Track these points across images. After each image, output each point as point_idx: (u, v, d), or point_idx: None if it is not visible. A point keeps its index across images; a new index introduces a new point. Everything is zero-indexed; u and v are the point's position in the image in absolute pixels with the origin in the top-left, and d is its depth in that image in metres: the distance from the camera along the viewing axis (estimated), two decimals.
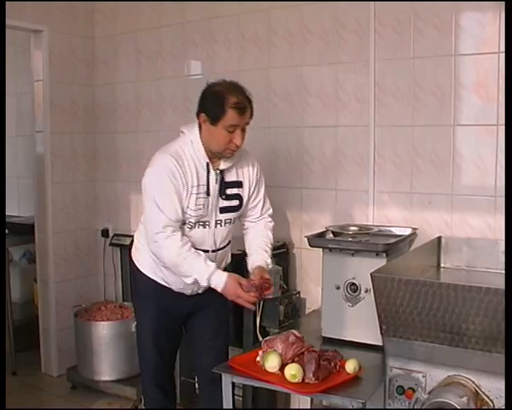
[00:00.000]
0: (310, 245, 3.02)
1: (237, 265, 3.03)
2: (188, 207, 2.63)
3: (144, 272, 2.83)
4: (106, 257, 4.62)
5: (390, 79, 3.27)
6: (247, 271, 2.80)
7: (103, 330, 4.09)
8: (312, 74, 3.54)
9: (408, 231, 3.11)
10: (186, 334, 2.99)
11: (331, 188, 3.51)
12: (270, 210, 2.95)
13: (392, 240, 2.88)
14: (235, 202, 2.77)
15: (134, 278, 2.95)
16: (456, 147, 3.11)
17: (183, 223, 2.66)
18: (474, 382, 2.21)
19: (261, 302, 3.26)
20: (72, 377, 4.31)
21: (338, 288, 2.86)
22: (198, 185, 2.64)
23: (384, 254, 2.75)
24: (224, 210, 2.74)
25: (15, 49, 4.95)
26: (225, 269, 2.87)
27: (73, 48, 4.46)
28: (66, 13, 4.38)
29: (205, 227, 2.71)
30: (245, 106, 2.60)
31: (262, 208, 2.90)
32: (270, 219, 2.94)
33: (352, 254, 2.83)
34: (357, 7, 3.34)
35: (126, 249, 4.33)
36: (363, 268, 2.69)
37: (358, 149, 3.40)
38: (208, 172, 2.67)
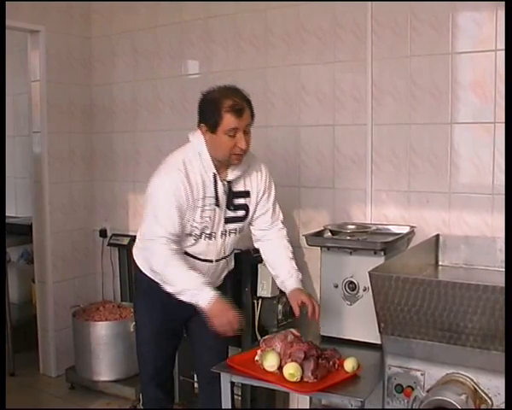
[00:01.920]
0: (308, 244, 3.03)
1: (235, 264, 3.03)
2: (194, 220, 2.60)
3: (147, 274, 2.80)
4: (104, 257, 4.62)
5: (387, 78, 3.28)
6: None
7: (102, 331, 4.09)
8: (309, 73, 3.54)
9: (406, 230, 3.12)
10: (187, 334, 2.99)
11: (329, 187, 3.51)
12: (281, 216, 2.91)
13: (390, 238, 2.89)
14: (241, 213, 2.74)
15: (135, 278, 2.94)
16: (453, 145, 3.12)
17: (190, 235, 2.64)
18: (472, 380, 2.22)
19: (259, 301, 3.27)
20: (71, 378, 4.30)
21: (336, 286, 2.87)
22: (204, 198, 2.61)
23: (382, 253, 2.75)
24: (229, 220, 2.71)
25: (12, 49, 4.94)
26: (228, 274, 2.88)
27: (70, 48, 4.45)
28: (62, 13, 4.37)
29: (210, 239, 2.68)
30: (241, 107, 2.54)
31: (272, 215, 2.86)
32: (281, 225, 2.90)
33: (350, 253, 2.83)
34: (354, 6, 3.34)
35: (124, 249, 4.34)
36: (361, 267, 2.70)
37: (356, 148, 3.41)
38: (216, 183, 2.63)
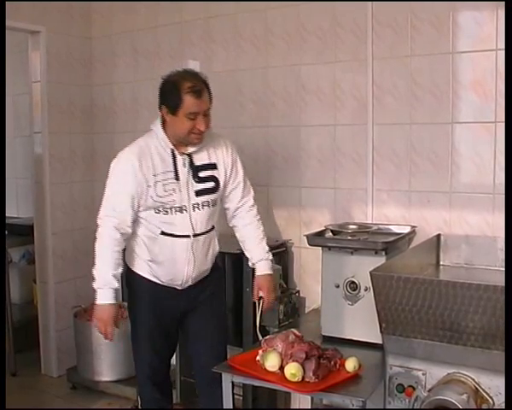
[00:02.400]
0: (309, 244, 3.02)
1: (234, 264, 3.03)
2: (157, 195, 2.66)
3: (135, 271, 2.85)
4: None
5: (388, 78, 3.28)
6: (247, 267, 2.90)
7: None
8: (310, 73, 3.54)
9: (407, 230, 3.12)
10: (183, 334, 3.00)
11: (330, 186, 3.52)
12: (252, 192, 2.96)
13: (391, 238, 2.89)
14: (210, 184, 2.78)
15: (126, 277, 2.95)
16: (454, 145, 3.12)
17: (158, 210, 2.69)
18: (473, 379, 2.22)
19: (261, 302, 3.27)
20: (72, 378, 4.31)
21: (337, 286, 2.87)
22: (165, 172, 2.67)
23: (383, 253, 2.75)
24: (199, 193, 2.75)
25: (12, 49, 4.94)
26: (215, 264, 2.91)
27: (71, 48, 4.45)
28: (63, 13, 4.37)
29: (182, 212, 2.71)
30: (201, 89, 2.62)
31: (244, 190, 2.90)
32: (253, 201, 2.94)
33: (352, 253, 2.83)
34: (355, 6, 3.34)
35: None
36: (362, 267, 2.70)
37: (357, 148, 3.41)
38: (174, 157, 2.69)
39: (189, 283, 2.80)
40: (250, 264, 2.93)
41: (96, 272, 2.68)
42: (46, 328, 4.50)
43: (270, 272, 2.88)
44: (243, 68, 3.78)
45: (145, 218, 2.72)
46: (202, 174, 2.75)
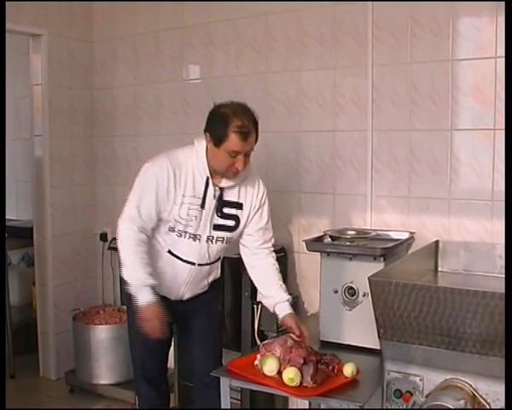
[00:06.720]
0: (308, 249, 3.03)
1: (233, 268, 3.03)
2: (179, 215, 2.64)
3: None
4: (104, 261, 4.63)
5: (387, 84, 3.29)
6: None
7: (101, 334, 4.10)
8: (310, 79, 3.55)
9: (405, 236, 3.12)
10: (180, 337, 3.00)
11: (329, 192, 3.52)
12: (273, 240, 2.91)
13: (390, 244, 2.89)
14: (230, 222, 2.75)
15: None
16: (453, 151, 3.13)
17: (173, 230, 2.67)
18: (471, 385, 2.22)
19: (259, 306, 3.27)
20: (71, 381, 4.31)
21: (336, 292, 2.87)
22: (193, 197, 2.64)
23: (382, 259, 2.75)
24: (218, 228, 2.72)
25: (14, 52, 4.96)
26: (214, 281, 2.90)
27: (72, 52, 4.46)
28: (64, 17, 4.38)
29: (195, 240, 2.70)
30: (249, 131, 2.55)
31: (264, 235, 2.85)
32: (272, 248, 2.90)
33: (350, 259, 2.83)
34: (355, 12, 3.35)
35: None
36: (360, 272, 2.70)
37: (356, 154, 3.41)
38: (207, 186, 2.66)
39: (184, 298, 2.82)
40: (268, 302, 2.84)
41: (126, 275, 2.63)
42: (45, 331, 4.50)
43: (292, 311, 2.80)
44: (244, 73, 3.79)
45: (157, 229, 2.71)
46: (226, 210, 2.72)
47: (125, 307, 4.31)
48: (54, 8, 4.30)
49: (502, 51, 2.87)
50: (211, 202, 2.67)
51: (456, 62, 3.09)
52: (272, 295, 2.80)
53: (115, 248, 4.35)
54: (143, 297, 2.60)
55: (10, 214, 5.19)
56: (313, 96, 3.54)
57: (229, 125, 2.52)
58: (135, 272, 2.61)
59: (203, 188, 2.65)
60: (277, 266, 2.87)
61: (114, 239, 4.39)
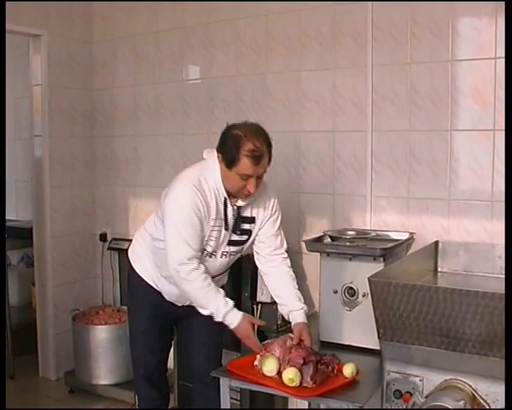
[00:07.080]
0: (307, 250, 3.03)
1: (235, 269, 3.03)
2: (204, 237, 2.63)
3: (139, 273, 2.86)
4: (104, 261, 4.62)
5: (387, 85, 3.29)
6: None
7: (101, 334, 4.10)
8: (310, 79, 3.55)
9: (405, 236, 3.12)
10: (180, 337, 3.00)
11: (329, 193, 3.52)
12: (285, 244, 2.90)
13: (390, 245, 2.89)
14: (243, 237, 2.76)
15: (128, 277, 2.97)
16: (452, 152, 3.13)
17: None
18: (470, 386, 2.22)
19: (259, 306, 3.28)
20: (70, 381, 4.31)
21: (336, 292, 2.87)
22: (216, 219, 2.63)
23: (381, 259, 2.76)
24: (232, 243, 2.74)
25: (14, 53, 4.95)
26: (221, 287, 2.88)
27: (72, 52, 4.46)
28: (64, 17, 4.38)
29: (211, 257, 2.71)
30: (261, 154, 2.51)
31: (276, 241, 2.84)
32: (286, 254, 2.88)
33: (350, 259, 2.84)
34: (355, 12, 3.35)
35: (124, 253, 4.30)
36: (360, 273, 2.70)
37: (356, 154, 3.41)
38: (226, 207, 2.65)
39: (190, 303, 2.80)
40: (284, 309, 2.82)
41: (209, 312, 2.59)
42: (44, 331, 4.50)
43: (305, 320, 2.76)
44: (243, 74, 3.79)
45: None
46: (242, 226, 2.73)
47: (124, 307, 4.35)
48: (54, 9, 4.30)
49: (501, 52, 2.87)
50: (231, 222, 2.68)
51: (456, 63, 3.09)
52: (286, 303, 2.79)
53: (115, 249, 4.43)
54: (233, 320, 2.58)
55: (10, 215, 5.19)
56: (313, 96, 3.54)
57: (240, 148, 2.49)
58: (215, 302, 2.58)
59: (223, 208, 2.65)
60: (292, 273, 2.85)
61: (114, 240, 4.47)
